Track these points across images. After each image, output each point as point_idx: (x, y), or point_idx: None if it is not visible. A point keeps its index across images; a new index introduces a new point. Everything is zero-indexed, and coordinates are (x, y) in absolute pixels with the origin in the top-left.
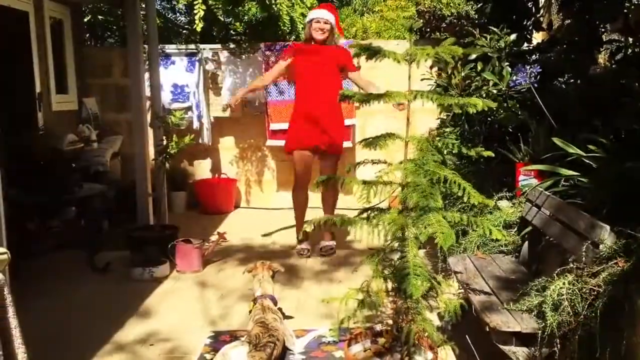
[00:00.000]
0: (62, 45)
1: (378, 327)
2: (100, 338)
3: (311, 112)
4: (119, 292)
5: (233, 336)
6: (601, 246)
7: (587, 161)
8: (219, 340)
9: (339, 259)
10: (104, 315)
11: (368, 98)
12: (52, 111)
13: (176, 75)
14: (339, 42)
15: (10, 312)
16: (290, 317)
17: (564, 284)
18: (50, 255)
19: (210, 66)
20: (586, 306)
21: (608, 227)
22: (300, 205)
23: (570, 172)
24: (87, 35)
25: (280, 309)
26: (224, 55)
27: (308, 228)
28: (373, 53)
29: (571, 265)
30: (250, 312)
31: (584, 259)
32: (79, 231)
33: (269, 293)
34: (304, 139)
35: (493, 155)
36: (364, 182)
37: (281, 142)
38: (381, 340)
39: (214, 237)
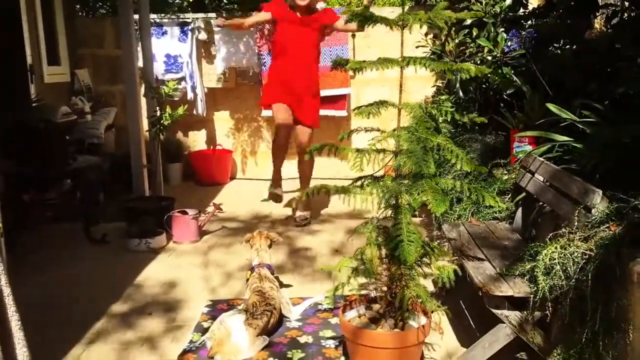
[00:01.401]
0: (53, 16)
1: (373, 294)
2: (97, 309)
3: (288, 82)
4: (116, 263)
5: (230, 305)
6: (593, 211)
7: (582, 126)
8: (216, 308)
9: (337, 227)
10: (101, 287)
11: (361, 66)
12: (44, 83)
13: (169, 45)
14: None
15: (3, 280)
16: (288, 286)
17: (556, 248)
18: (46, 227)
19: (202, 35)
20: (577, 270)
21: (600, 192)
22: (280, 156)
23: (564, 138)
24: (78, 5)
25: (277, 278)
26: (216, 23)
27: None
28: (365, 19)
29: (563, 230)
30: (247, 280)
31: (576, 223)
32: (75, 203)
33: (266, 262)
34: (281, 95)
35: (486, 121)
36: (357, 150)
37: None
38: (376, 306)
39: (210, 208)
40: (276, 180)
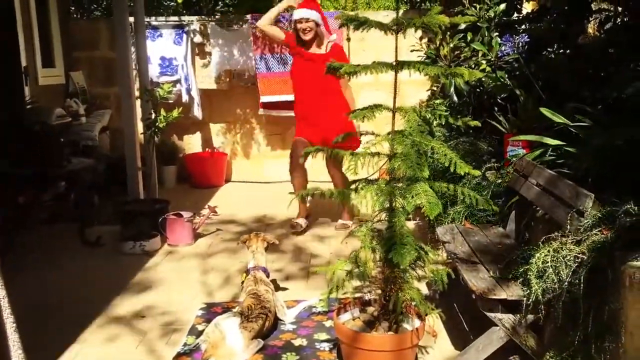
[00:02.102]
0: (48, 18)
1: (367, 297)
2: (91, 311)
3: (309, 119)
4: (110, 265)
5: (225, 308)
6: (586, 214)
7: (575, 130)
8: (210, 311)
9: (332, 231)
10: (95, 289)
11: (356, 70)
12: (39, 85)
13: (164, 47)
14: (329, 38)
15: None
16: (284, 289)
17: (548, 251)
18: (41, 229)
19: (198, 38)
20: (570, 273)
21: (592, 196)
22: (299, 185)
23: (557, 142)
24: (73, 7)
25: (273, 281)
26: (211, 27)
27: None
28: (359, 23)
29: (556, 233)
30: (242, 283)
31: (568, 227)
32: (69, 205)
33: (261, 265)
34: (302, 131)
35: (480, 125)
36: (352, 154)
37: (272, 112)
38: (370, 309)
39: (204, 211)
40: (301, 208)
